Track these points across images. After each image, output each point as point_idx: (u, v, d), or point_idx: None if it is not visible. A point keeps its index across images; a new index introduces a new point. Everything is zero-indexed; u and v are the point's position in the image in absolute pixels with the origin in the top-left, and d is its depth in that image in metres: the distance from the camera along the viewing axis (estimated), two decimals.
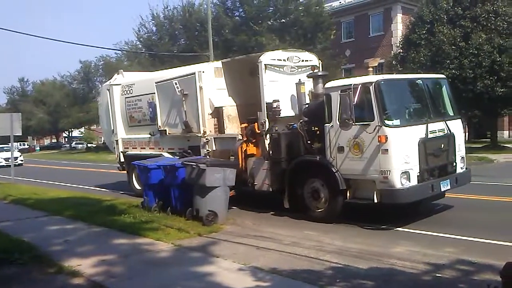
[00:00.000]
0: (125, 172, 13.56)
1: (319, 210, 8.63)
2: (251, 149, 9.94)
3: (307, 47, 19.91)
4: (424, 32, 22.46)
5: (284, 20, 28.11)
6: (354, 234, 7.72)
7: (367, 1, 31.27)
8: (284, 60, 10.22)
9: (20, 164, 31.84)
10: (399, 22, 29.96)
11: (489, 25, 20.97)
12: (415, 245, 6.86)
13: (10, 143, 19.51)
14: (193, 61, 18.39)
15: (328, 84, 8.64)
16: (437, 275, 5.51)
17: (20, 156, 33.89)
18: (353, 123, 7.75)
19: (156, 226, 8.32)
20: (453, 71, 20.42)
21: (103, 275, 5.78)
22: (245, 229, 8.28)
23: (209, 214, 8.48)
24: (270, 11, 28.71)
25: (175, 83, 11.15)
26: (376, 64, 26.38)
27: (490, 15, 21.02)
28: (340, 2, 33.06)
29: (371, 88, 7.67)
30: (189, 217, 8.80)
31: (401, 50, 24.61)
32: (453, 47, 21.11)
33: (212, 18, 26.06)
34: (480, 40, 20.64)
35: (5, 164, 29.55)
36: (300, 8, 28.04)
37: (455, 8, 21.93)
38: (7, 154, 31.45)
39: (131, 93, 13.08)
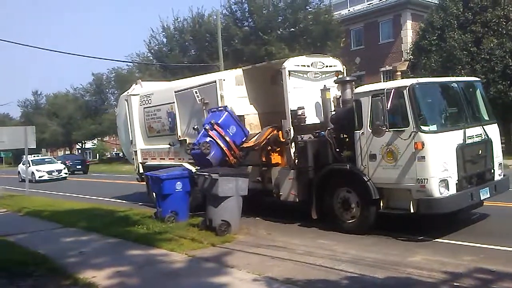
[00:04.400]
0: (144, 183, 13.36)
1: (350, 221, 8.28)
2: (275, 158, 9.72)
3: None
4: (434, 38, 22.35)
5: (293, 29, 28.16)
6: (369, 243, 7.63)
7: (376, 8, 31.29)
8: (308, 66, 9.98)
9: (64, 178, 28.25)
10: (409, 29, 29.86)
11: (500, 29, 20.80)
12: (432, 253, 6.75)
13: (29, 154, 19.67)
14: (204, 71, 18.48)
15: (358, 89, 8.34)
16: (455, 284, 5.41)
17: (64, 168, 29.34)
18: (386, 130, 7.45)
19: (169, 236, 8.33)
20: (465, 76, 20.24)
21: (118, 287, 5.80)
22: (258, 239, 8.24)
23: (222, 224, 8.47)
24: (279, 20, 28.82)
25: (195, 91, 11.01)
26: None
27: (501, 19, 20.85)
28: (349, 10, 33.10)
29: (405, 92, 7.37)
30: (202, 227, 8.80)
31: (412, 57, 24.50)
32: (464, 52, 20.96)
33: (221, 29, 26.27)
34: (492, 45, 20.47)
35: (48, 178, 27.04)
36: (309, 16, 28.09)
37: (466, 14, 21.79)
38: (50, 167, 28.66)
39: (149, 103, 12.95)
